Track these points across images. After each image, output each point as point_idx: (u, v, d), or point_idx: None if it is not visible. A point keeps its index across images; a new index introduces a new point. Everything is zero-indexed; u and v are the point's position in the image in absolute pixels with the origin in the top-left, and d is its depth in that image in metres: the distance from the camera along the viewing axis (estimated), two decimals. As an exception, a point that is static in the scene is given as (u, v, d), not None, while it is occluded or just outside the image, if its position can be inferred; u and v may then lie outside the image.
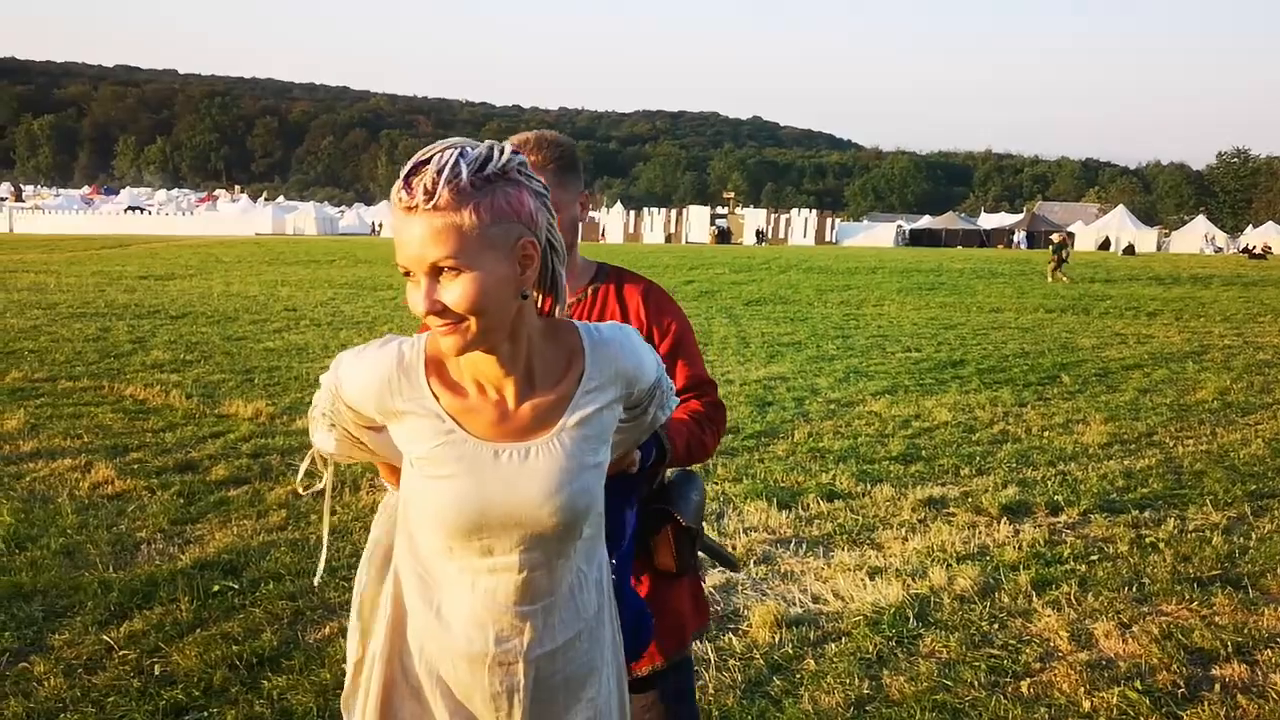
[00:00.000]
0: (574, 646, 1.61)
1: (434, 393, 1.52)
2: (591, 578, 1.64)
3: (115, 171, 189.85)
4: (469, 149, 1.39)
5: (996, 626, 4.20)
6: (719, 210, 77.85)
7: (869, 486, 6.29)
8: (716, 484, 6.28)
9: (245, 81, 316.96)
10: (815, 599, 4.48)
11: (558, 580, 1.57)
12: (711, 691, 3.60)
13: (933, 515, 5.74)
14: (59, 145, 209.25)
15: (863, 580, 4.66)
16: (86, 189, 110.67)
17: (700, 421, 2.14)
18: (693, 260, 36.42)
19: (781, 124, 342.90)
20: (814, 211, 76.42)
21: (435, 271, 1.38)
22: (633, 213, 75.75)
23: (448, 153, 1.36)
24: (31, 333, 12.95)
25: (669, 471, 2.16)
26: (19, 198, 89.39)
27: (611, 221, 71.75)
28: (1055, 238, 30.51)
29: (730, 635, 4.08)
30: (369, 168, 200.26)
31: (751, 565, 4.89)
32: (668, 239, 68.36)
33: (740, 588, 4.60)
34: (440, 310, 1.38)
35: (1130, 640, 4.05)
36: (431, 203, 1.34)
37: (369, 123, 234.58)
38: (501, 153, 1.41)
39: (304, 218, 74.19)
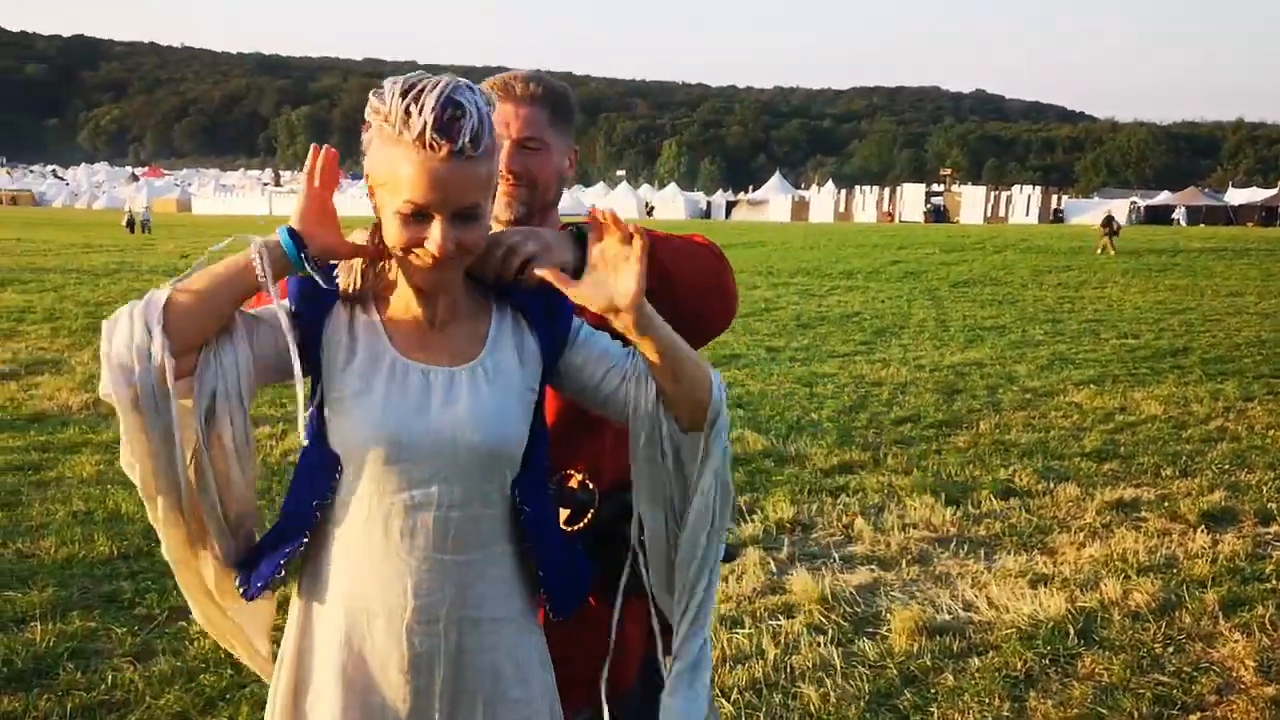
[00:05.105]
0: (500, 631, 1.46)
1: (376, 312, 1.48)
2: (517, 571, 1.50)
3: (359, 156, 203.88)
4: (474, 89, 1.33)
5: (1171, 650, 3.75)
6: (935, 188, 75.04)
7: (1052, 485, 5.81)
8: (883, 475, 5.95)
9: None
10: (966, 606, 4.13)
11: (482, 536, 1.44)
12: (833, 701, 3.36)
13: (1119, 520, 5.23)
14: (313, 135, 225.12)
15: (1023, 589, 4.27)
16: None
17: None
18: (902, 240, 35.32)
19: (1007, 96, 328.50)
20: (1037, 188, 72.44)
21: (459, 215, 1.34)
22: (844, 191, 74.11)
23: (471, 96, 1.31)
24: None
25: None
26: (278, 183, 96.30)
27: (821, 200, 70.25)
28: (1105, 214, 33.07)
29: (864, 640, 3.81)
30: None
31: (904, 565, 4.58)
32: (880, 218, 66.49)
33: (886, 589, 4.31)
34: (455, 250, 1.35)
35: (1332, 677, 3.53)
36: (479, 151, 1.31)
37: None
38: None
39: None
